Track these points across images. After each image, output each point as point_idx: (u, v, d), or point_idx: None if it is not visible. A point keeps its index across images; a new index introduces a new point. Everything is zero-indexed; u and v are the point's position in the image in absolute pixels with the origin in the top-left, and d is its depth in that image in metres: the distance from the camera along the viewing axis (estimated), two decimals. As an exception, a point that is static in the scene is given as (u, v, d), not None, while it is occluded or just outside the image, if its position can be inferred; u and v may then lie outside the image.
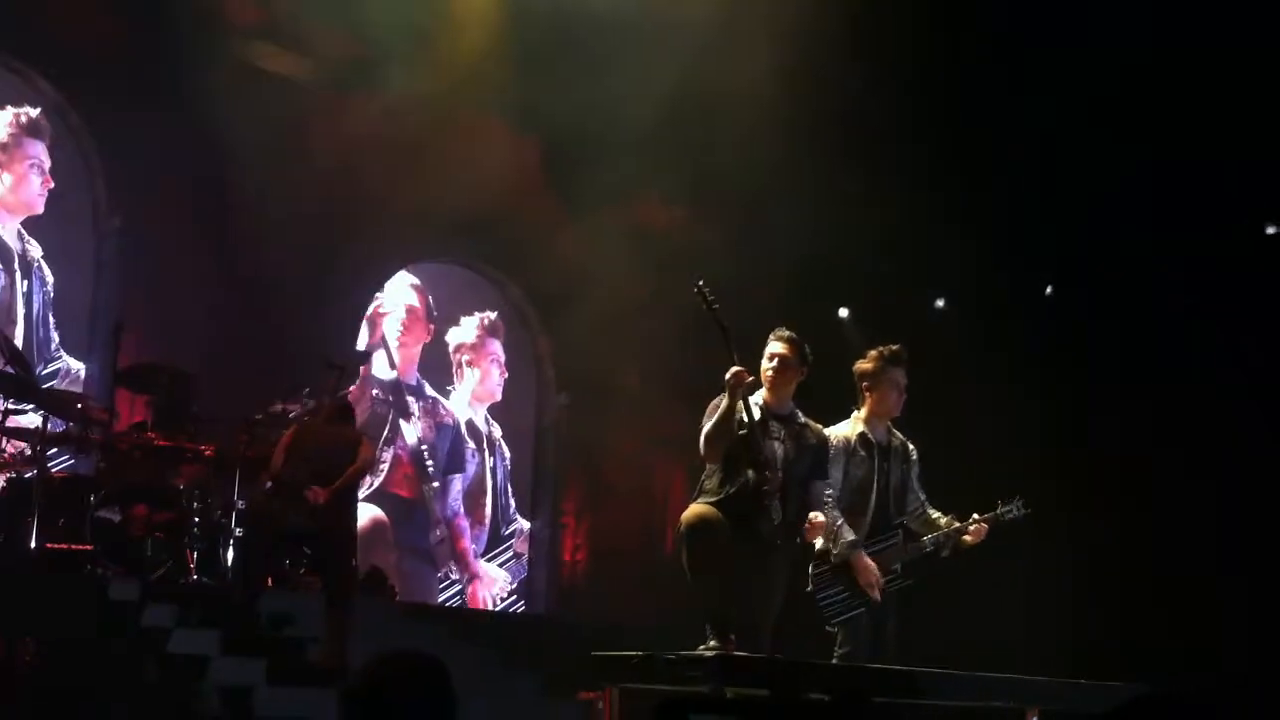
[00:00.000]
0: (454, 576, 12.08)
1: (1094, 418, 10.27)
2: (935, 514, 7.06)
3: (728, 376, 6.36)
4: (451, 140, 11.35)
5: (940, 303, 11.78)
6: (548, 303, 12.76)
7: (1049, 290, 11.39)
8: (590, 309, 11.85)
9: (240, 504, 8.72)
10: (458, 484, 12.30)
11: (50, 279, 10.44)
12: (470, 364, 12.63)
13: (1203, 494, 9.93)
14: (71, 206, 10.72)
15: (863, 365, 7.05)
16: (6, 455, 8.59)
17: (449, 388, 12.56)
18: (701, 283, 6.48)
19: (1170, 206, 10.39)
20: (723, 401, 6.47)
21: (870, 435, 6.99)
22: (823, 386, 7.05)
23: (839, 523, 6.80)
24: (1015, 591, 9.16)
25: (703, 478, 6.68)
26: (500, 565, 12.37)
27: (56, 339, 10.44)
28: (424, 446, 12.14)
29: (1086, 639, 8.39)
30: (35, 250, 10.44)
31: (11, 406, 8.38)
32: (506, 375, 12.82)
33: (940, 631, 7.77)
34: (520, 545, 12.50)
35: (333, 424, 8.61)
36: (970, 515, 7.00)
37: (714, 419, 6.47)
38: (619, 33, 10.43)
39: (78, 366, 10.43)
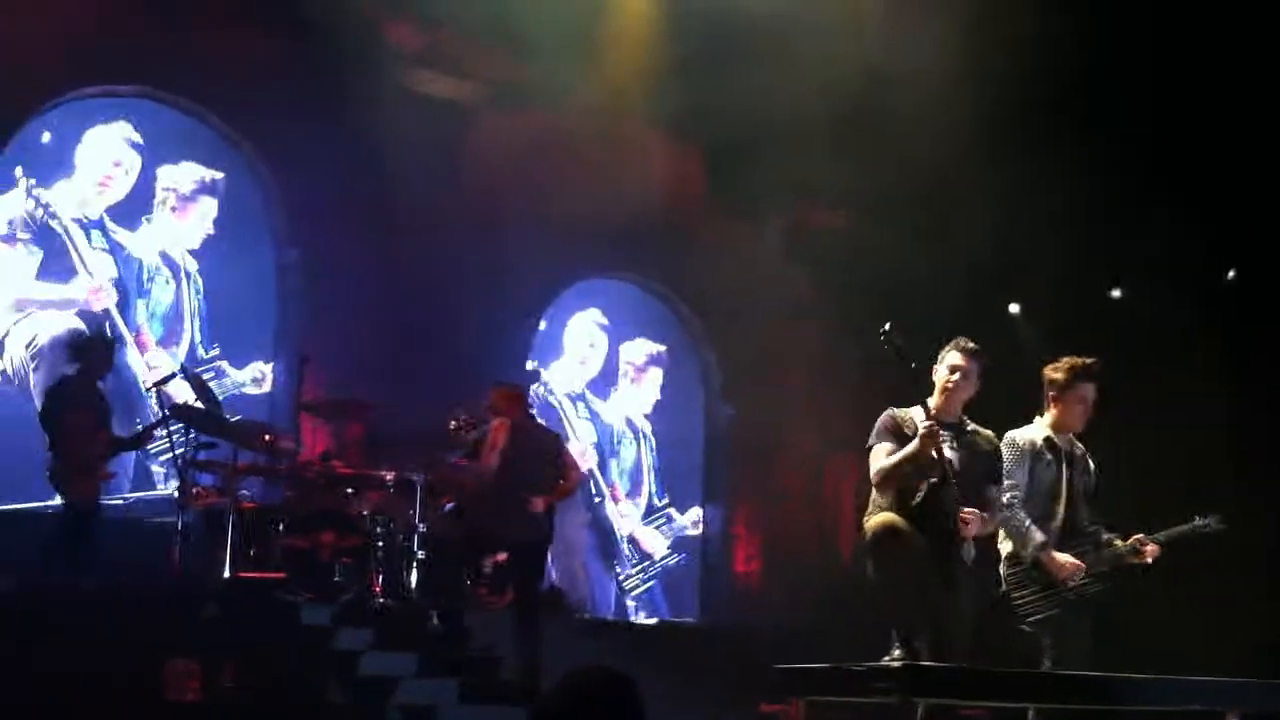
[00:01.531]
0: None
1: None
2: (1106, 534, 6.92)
3: (922, 429, 6.27)
4: (613, 152, 11.45)
5: (1116, 293, 11.45)
6: (713, 312, 12.75)
7: (1230, 275, 10.98)
8: (756, 315, 11.84)
9: (422, 527, 8.86)
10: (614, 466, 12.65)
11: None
12: (634, 381, 12.88)
13: None
14: (248, 238, 11.07)
15: (1052, 374, 6.85)
16: (200, 489, 8.89)
17: (611, 389, 12.81)
18: (889, 327, 6.40)
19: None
20: (900, 430, 6.38)
21: (1056, 439, 6.83)
22: (992, 385, 6.93)
23: (1028, 524, 6.66)
24: (1205, 592, 8.85)
25: (875, 494, 6.58)
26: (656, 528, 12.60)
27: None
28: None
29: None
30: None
31: (202, 440, 8.67)
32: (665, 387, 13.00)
33: (1130, 634, 7.55)
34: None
35: (537, 433, 8.65)
36: (1137, 534, 6.83)
37: (898, 458, 6.35)
38: (775, 34, 10.40)
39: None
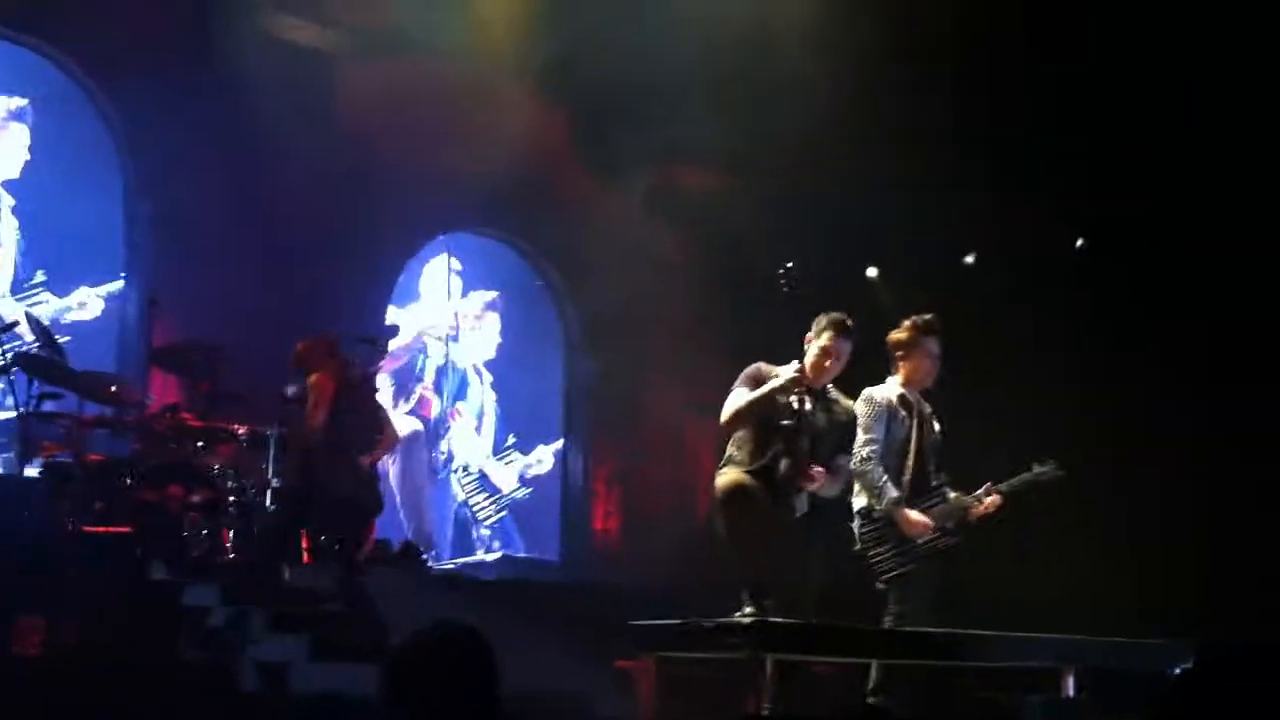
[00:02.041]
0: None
1: (1131, 369, 10.15)
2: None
3: (792, 372, 6.40)
4: (480, 104, 11.31)
5: (970, 259, 11.69)
6: (577, 268, 12.71)
7: (1079, 243, 11.27)
8: (620, 272, 11.83)
9: (275, 482, 8.74)
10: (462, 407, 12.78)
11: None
12: (473, 329, 12.97)
13: (1250, 449, 9.81)
14: (101, 184, 10.76)
15: (896, 335, 7.09)
16: (44, 441, 8.65)
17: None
18: (790, 265, 6.49)
19: (1207, 154, 10.24)
20: (762, 379, 6.48)
21: (908, 396, 7.02)
22: (855, 348, 7.03)
23: (884, 479, 6.81)
24: (1056, 549, 9.10)
25: (730, 448, 6.68)
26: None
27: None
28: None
29: (1128, 597, 8.33)
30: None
31: (47, 391, 8.44)
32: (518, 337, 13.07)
33: (982, 590, 7.73)
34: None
35: (361, 386, 8.54)
36: (984, 484, 7.02)
37: (751, 397, 6.49)
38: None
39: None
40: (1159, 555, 9.43)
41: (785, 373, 6.54)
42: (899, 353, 7.09)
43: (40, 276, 10.47)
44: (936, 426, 7.20)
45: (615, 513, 12.49)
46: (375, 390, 8.94)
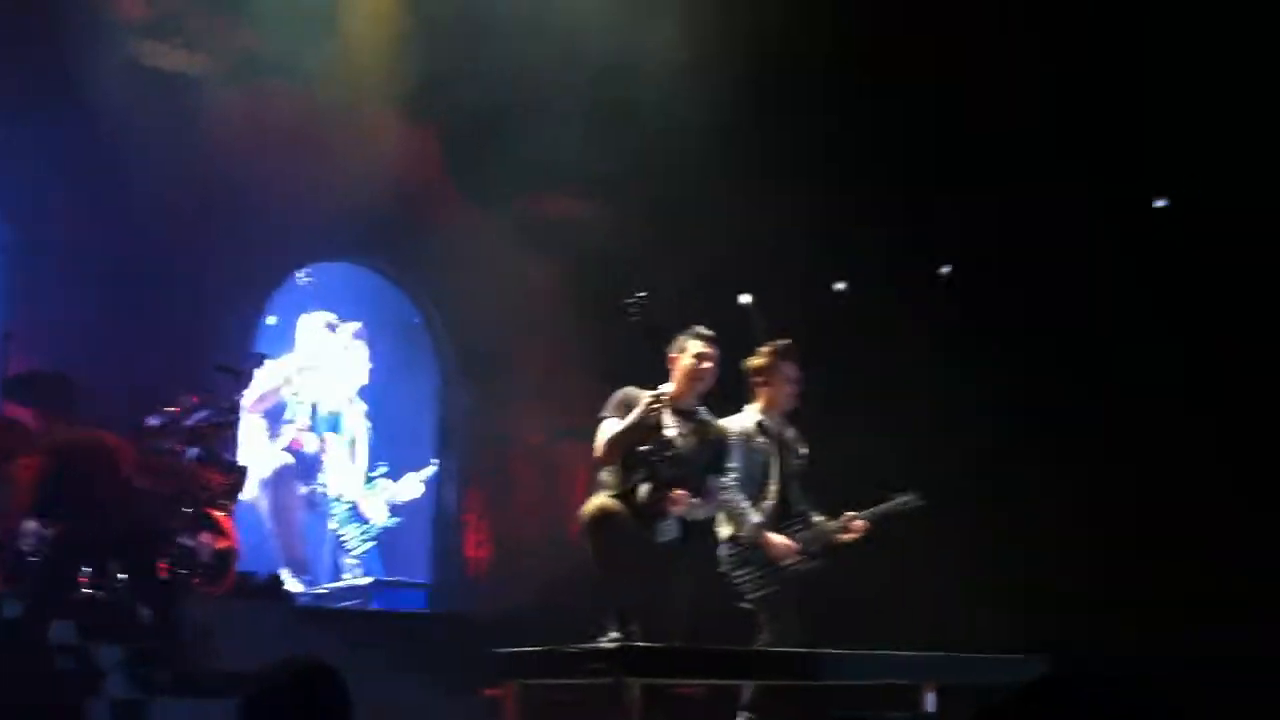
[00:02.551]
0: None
1: (990, 398, 10.35)
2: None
3: (651, 398, 6.42)
4: (348, 133, 11.20)
5: (840, 286, 11.85)
6: (449, 297, 12.63)
7: (944, 271, 11.50)
8: (493, 302, 11.79)
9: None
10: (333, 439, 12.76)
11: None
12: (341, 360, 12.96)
13: (1114, 464, 10.07)
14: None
15: (755, 361, 7.20)
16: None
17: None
18: (640, 296, 6.51)
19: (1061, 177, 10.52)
20: (634, 406, 6.51)
21: (767, 423, 7.08)
22: (726, 377, 7.10)
23: (745, 505, 6.89)
24: (915, 568, 9.22)
25: (601, 473, 6.71)
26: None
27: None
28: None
29: (986, 614, 8.46)
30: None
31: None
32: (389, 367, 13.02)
33: (842, 610, 7.79)
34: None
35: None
36: (846, 512, 7.12)
37: (622, 425, 6.52)
38: (521, 14, 10.40)
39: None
40: (1024, 572, 9.60)
41: (647, 396, 6.58)
42: (758, 378, 7.19)
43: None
44: (801, 451, 7.28)
45: (486, 542, 12.41)
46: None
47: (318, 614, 9.96)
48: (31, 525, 8.31)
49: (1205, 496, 9.48)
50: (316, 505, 12.31)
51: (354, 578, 11.99)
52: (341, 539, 12.37)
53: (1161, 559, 9.37)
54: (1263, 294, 9.93)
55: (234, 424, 9.99)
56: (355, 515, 12.47)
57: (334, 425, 12.74)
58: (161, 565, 8.28)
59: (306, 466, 12.36)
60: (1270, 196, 9.78)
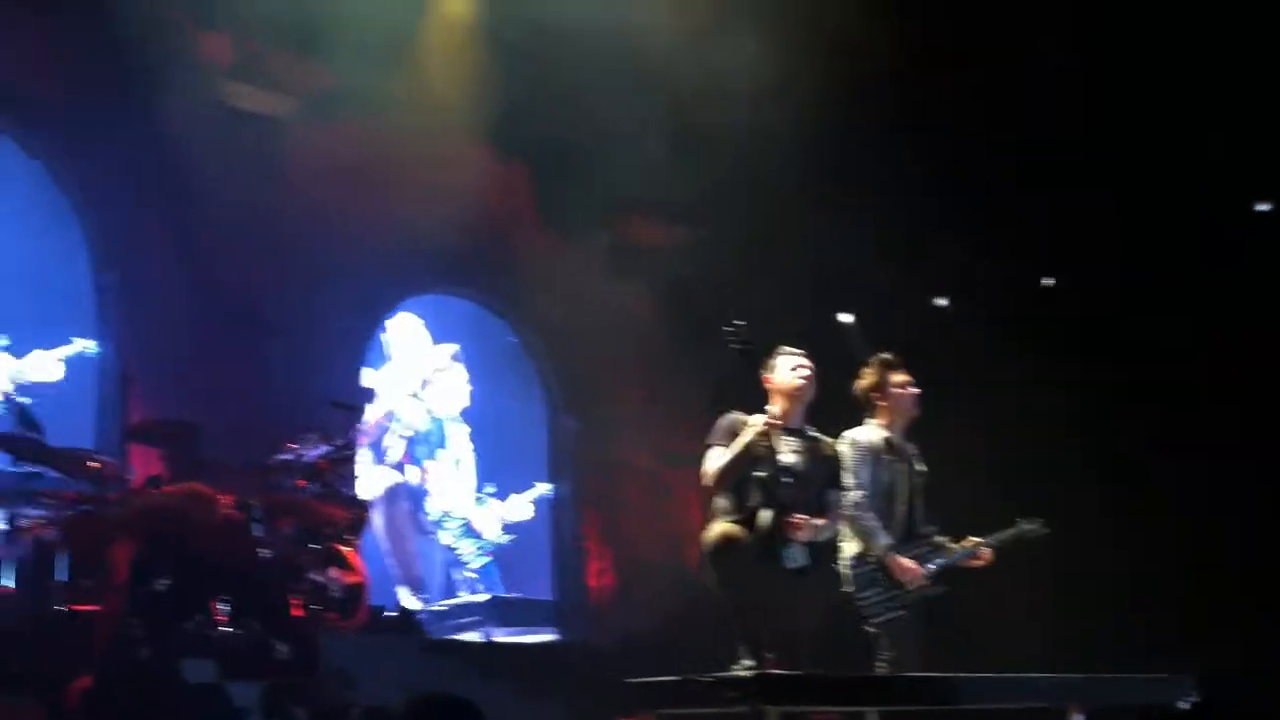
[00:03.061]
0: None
1: (1109, 411, 10.31)
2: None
3: (758, 422, 6.41)
4: (435, 166, 11.31)
5: (942, 301, 11.85)
6: (549, 327, 12.73)
7: (1047, 282, 11.47)
8: (593, 331, 11.88)
9: (265, 553, 8.65)
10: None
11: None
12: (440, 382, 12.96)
13: (1232, 482, 9.98)
14: (65, 254, 10.66)
15: (864, 381, 7.16)
16: (29, 520, 8.54)
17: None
18: (739, 324, 6.52)
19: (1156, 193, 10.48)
20: (739, 432, 6.50)
21: (893, 440, 7.07)
22: (831, 397, 7.12)
23: (875, 523, 6.87)
24: (1044, 592, 9.20)
25: (717, 498, 6.70)
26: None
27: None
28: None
29: (1119, 637, 8.46)
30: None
31: (28, 470, 8.35)
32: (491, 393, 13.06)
33: (967, 634, 7.81)
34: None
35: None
36: (967, 536, 7.10)
37: (729, 454, 6.49)
38: (601, 45, 10.47)
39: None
40: (1144, 594, 9.55)
41: (756, 421, 6.56)
42: (873, 394, 7.16)
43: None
44: (921, 468, 7.27)
45: (609, 569, 12.47)
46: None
47: (450, 646, 10.04)
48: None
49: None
50: (424, 529, 12.39)
51: (471, 595, 11.99)
52: (457, 554, 12.44)
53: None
54: None
55: (351, 458, 10.11)
56: (469, 531, 12.54)
57: (440, 444, 12.80)
58: (294, 602, 8.38)
59: (413, 489, 12.45)
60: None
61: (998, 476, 8.84)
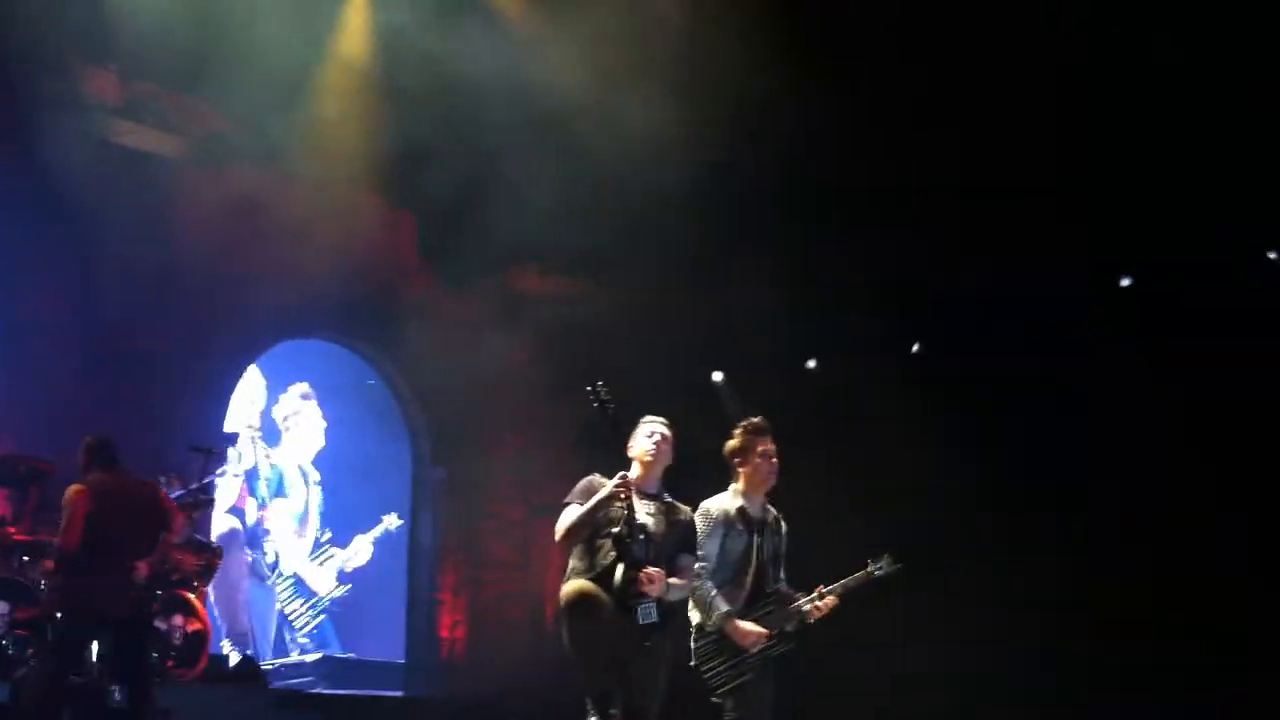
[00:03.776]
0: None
1: (964, 466, 10.42)
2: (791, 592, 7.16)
3: (615, 483, 6.39)
4: (323, 215, 11.24)
5: (812, 364, 11.93)
6: (423, 376, 12.62)
7: (915, 348, 11.62)
8: (466, 381, 11.79)
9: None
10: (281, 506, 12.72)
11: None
12: (292, 429, 12.96)
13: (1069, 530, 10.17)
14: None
15: (730, 444, 7.15)
16: None
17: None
18: (599, 384, 6.50)
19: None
20: (594, 491, 6.47)
21: (748, 509, 7.05)
22: (704, 453, 7.09)
23: (713, 594, 6.85)
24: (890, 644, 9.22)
25: (572, 559, 6.65)
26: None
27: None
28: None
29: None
30: None
31: None
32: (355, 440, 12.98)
33: (815, 687, 7.76)
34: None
35: (129, 488, 7.77)
36: (815, 589, 7.09)
37: (581, 511, 6.47)
38: (494, 95, 10.45)
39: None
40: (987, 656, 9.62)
41: (610, 483, 6.54)
42: (735, 459, 7.14)
43: None
44: (782, 529, 7.24)
45: (463, 622, 12.30)
46: (149, 483, 8.34)
47: (296, 698, 9.82)
48: (2, 606, 8.25)
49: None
50: (260, 575, 12.12)
51: (300, 655, 11.75)
52: (289, 615, 12.20)
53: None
54: None
55: (208, 504, 9.92)
56: (300, 589, 12.31)
57: (279, 491, 12.60)
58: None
59: (251, 535, 12.20)
60: None
61: (858, 529, 8.87)
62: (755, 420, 7.18)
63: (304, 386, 12.88)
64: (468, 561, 12.51)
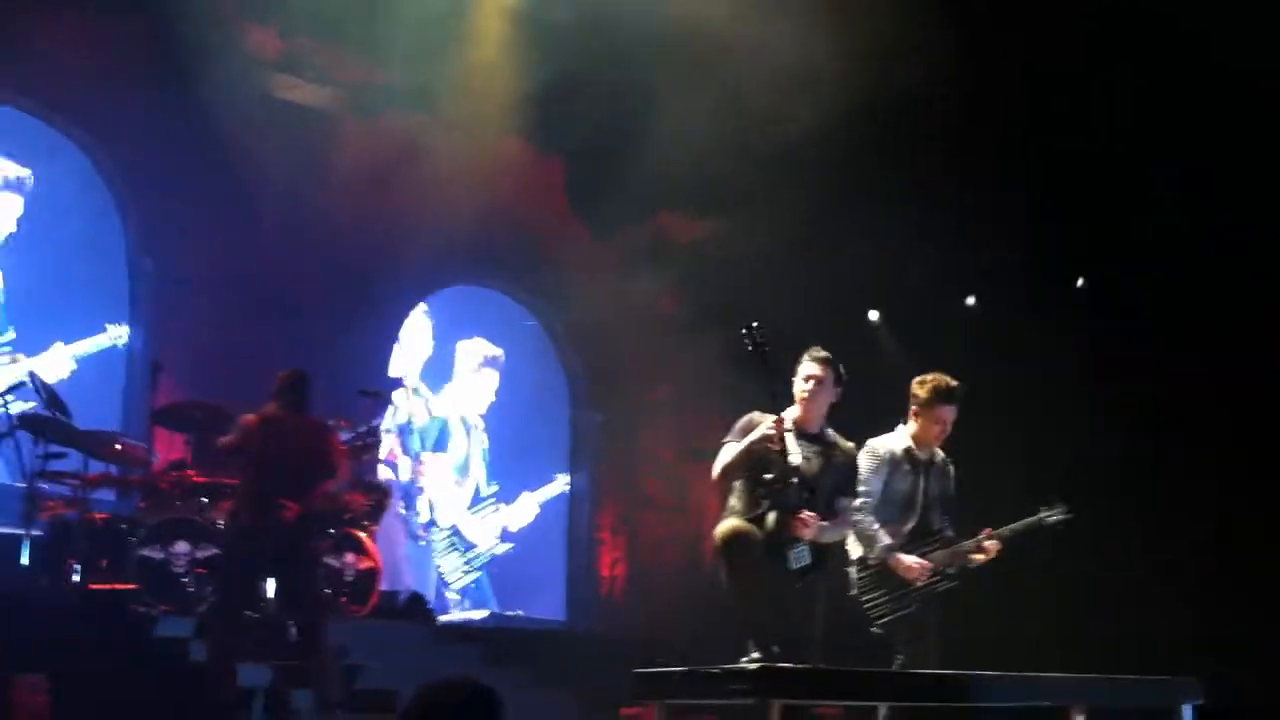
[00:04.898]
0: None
1: (1130, 410, 10.16)
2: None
3: (766, 426, 6.36)
4: (475, 161, 11.35)
5: (971, 300, 11.72)
6: (579, 322, 12.73)
7: (1080, 283, 11.32)
8: (621, 325, 11.86)
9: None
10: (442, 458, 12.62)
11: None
12: (468, 380, 12.93)
13: (1254, 484, 9.83)
14: (105, 246, 10.83)
15: (917, 389, 6.99)
16: (49, 500, 8.66)
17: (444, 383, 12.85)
18: (754, 325, 6.45)
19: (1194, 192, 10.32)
20: (752, 430, 6.45)
21: (915, 451, 6.97)
22: (857, 393, 7.03)
23: (875, 528, 6.81)
24: (1055, 588, 9.08)
25: (730, 498, 6.65)
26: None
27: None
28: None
29: (1126, 634, 8.33)
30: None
31: (52, 450, 8.46)
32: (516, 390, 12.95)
33: (980, 631, 7.70)
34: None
35: (295, 427, 7.86)
36: (983, 530, 6.98)
37: (737, 450, 6.45)
38: (641, 41, 10.42)
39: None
40: (1153, 594, 9.41)
41: (767, 422, 6.50)
42: (914, 407, 7.01)
43: (11, 334, 10.44)
44: (951, 472, 7.15)
45: (622, 560, 12.47)
46: (319, 424, 8.35)
47: (460, 631, 10.06)
48: (183, 546, 8.57)
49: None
50: (413, 534, 12.11)
51: (463, 612, 11.77)
52: (443, 574, 12.22)
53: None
54: None
55: (375, 445, 10.14)
56: (457, 542, 12.31)
57: (440, 444, 12.62)
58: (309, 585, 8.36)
59: (404, 486, 12.21)
60: None
61: (1023, 471, 8.71)
62: (953, 385, 7.00)
63: (492, 349, 12.88)
64: (626, 502, 12.65)
